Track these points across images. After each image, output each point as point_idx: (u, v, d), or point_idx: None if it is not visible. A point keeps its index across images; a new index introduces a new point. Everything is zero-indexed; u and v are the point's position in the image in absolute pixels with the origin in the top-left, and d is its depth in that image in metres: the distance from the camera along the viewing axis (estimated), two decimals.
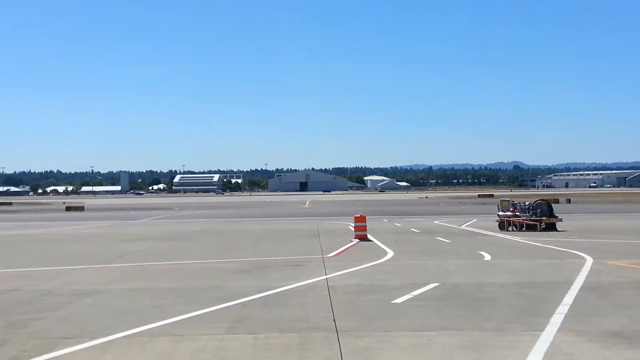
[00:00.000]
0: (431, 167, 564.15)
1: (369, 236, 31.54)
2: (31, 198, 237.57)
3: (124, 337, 11.08)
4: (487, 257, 22.85)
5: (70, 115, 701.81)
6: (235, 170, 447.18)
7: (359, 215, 32.61)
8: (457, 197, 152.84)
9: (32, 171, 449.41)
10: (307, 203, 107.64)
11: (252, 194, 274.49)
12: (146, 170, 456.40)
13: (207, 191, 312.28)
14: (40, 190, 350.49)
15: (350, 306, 13.58)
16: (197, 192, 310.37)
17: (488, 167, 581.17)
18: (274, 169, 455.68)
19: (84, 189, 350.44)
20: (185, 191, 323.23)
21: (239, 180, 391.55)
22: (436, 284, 16.28)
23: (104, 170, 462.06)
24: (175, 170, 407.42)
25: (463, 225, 42.68)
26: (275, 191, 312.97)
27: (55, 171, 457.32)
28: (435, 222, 47.93)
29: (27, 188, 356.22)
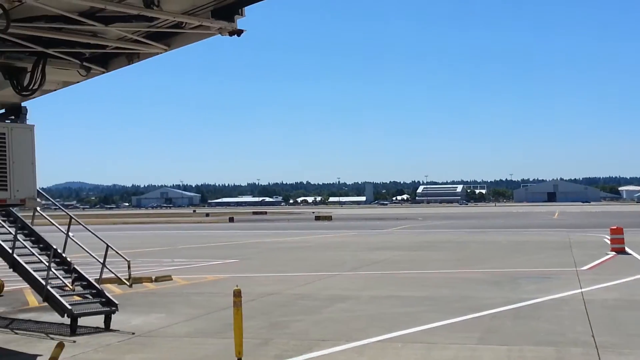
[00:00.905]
0: None
1: (627, 249, 29.43)
2: (283, 208, 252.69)
3: (377, 341, 11.37)
4: None
5: (317, 130, 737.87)
6: (478, 181, 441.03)
7: (615, 227, 30.67)
8: None
9: (284, 182, 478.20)
10: (556, 214, 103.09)
11: (496, 204, 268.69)
12: (390, 181, 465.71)
13: (451, 202, 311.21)
14: (291, 201, 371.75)
15: (610, 322, 12.74)
16: (440, 202, 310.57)
17: None
18: (519, 179, 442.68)
19: (331, 199, 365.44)
20: (428, 201, 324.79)
21: (483, 191, 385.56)
22: None
23: (349, 181, 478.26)
24: (418, 181, 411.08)
25: None
26: (521, 202, 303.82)
27: (304, 182, 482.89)
28: None
29: (279, 198, 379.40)
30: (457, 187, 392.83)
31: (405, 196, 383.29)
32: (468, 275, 21.15)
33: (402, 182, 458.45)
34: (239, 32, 8.87)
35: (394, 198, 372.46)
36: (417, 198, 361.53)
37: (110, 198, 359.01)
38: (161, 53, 9.81)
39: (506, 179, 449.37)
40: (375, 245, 37.23)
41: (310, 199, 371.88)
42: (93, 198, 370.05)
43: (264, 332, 12.42)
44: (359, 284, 19.52)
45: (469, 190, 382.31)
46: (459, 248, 34.59)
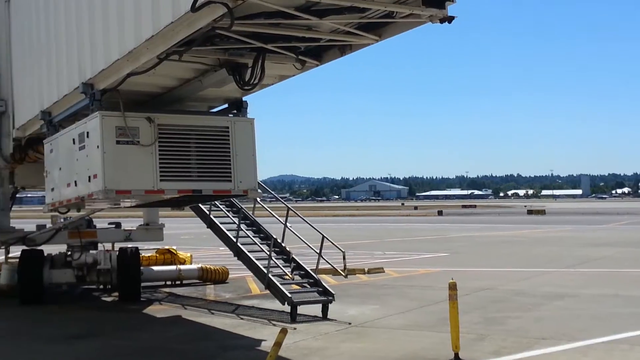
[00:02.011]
0: None
1: None
2: (493, 201, 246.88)
3: (602, 342, 10.67)
4: None
5: (530, 119, 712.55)
6: None
7: None
8: None
9: (494, 175, 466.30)
10: None
11: None
12: (608, 174, 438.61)
13: None
14: (501, 194, 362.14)
15: None
16: None
17: None
18: None
19: (544, 192, 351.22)
20: None
21: None
22: None
23: (563, 173, 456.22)
24: None
25: None
26: None
27: (515, 175, 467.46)
28: None
29: (489, 191, 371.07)
30: None
31: (626, 189, 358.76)
32: None
33: (622, 175, 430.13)
34: (449, 19, 8.60)
35: (613, 191, 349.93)
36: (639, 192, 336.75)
37: (320, 191, 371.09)
38: (372, 44, 9.79)
39: None
40: (594, 242, 35.14)
41: (521, 192, 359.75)
42: (305, 191, 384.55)
43: (479, 327, 12.09)
44: (578, 282, 18.49)
45: None
46: None
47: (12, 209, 18.03)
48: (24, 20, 14.18)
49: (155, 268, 18.71)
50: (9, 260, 16.94)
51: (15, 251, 16.94)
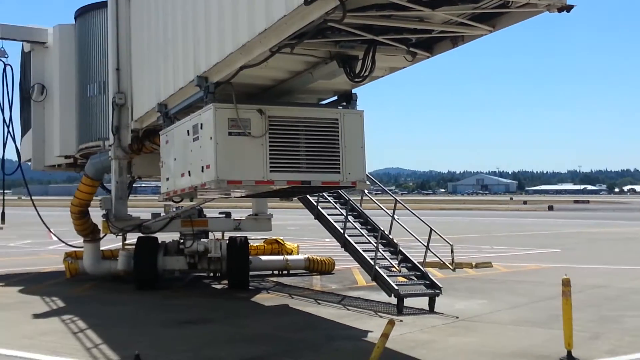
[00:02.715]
0: None
1: None
2: (608, 197, 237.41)
3: None
4: None
5: None
6: None
7: None
8: None
9: (608, 170, 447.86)
10: None
11: None
12: None
13: None
14: (616, 190, 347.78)
15: None
16: None
17: None
18: None
19: None
20: None
21: None
22: None
23: None
24: None
25: None
26: None
27: (632, 170, 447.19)
28: None
29: (603, 187, 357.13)
30: None
31: None
32: None
33: None
34: (568, 8, 8.28)
35: None
36: None
37: (426, 184, 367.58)
38: (485, 34, 9.59)
39: None
40: None
41: (638, 188, 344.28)
42: (411, 184, 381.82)
43: (593, 325, 11.70)
44: None
45: None
46: None
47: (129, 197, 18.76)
48: (143, 17, 14.75)
49: (263, 257, 19.10)
50: (126, 246, 17.66)
51: (131, 238, 17.66)
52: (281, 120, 11.14)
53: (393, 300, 13.26)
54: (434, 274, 15.77)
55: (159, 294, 15.63)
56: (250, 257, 17.26)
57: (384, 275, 13.46)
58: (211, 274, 17.92)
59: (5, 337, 10.92)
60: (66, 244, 20.04)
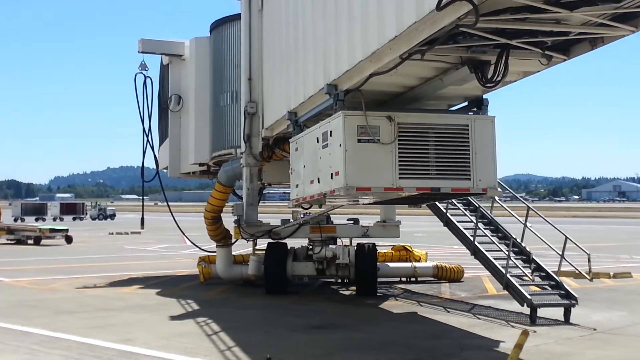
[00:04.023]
0: None
1: None
2: None
3: None
4: None
5: None
6: None
7: None
8: None
9: None
10: None
11: None
12: None
13: None
14: None
15: None
16: None
17: None
18: None
19: None
20: None
21: None
22: None
23: None
24: None
25: None
26: None
27: None
28: None
29: None
30: None
31: None
32: None
33: None
34: None
35: None
36: None
37: (559, 190, 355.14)
38: (628, 35, 9.15)
39: None
40: None
41: None
42: (542, 190, 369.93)
43: None
44: None
45: None
46: None
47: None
48: (274, 28, 15.11)
49: (390, 264, 19.05)
50: (256, 252, 18.09)
51: (261, 244, 18.07)
52: (410, 126, 11.08)
53: (525, 310, 12.89)
54: (569, 283, 15.19)
55: (288, 299, 15.90)
56: (378, 263, 17.25)
57: (516, 284, 13.09)
58: (339, 280, 18.06)
59: (145, 337, 11.43)
60: (200, 248, 20.75)
